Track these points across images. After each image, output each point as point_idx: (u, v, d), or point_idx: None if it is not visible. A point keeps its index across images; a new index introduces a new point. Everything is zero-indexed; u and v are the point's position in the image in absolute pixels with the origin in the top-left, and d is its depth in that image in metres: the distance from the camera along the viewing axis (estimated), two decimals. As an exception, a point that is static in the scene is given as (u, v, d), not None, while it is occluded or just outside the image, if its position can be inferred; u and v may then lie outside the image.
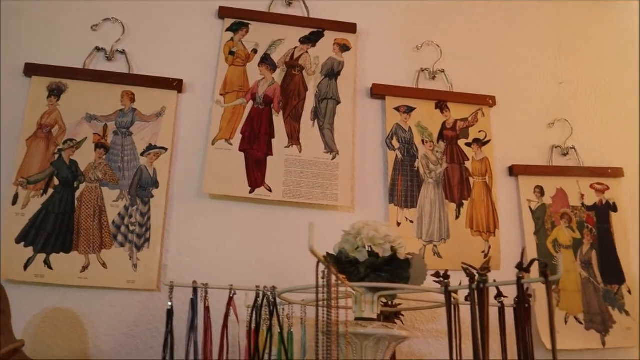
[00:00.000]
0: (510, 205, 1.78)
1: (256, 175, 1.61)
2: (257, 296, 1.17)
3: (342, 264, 1.16)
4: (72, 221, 1.50)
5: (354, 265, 1.14)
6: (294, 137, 1.66)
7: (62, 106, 1.58)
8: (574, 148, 1.88)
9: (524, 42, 2.00)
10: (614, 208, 1.83)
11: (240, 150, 1.62)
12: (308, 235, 0.77)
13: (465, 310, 1.10)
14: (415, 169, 1.73)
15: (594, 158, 1.89)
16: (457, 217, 1.71)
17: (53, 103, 1.57)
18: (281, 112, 1.68)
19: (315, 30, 1.79)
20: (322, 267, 0.88)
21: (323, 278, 0.90)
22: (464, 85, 1.86)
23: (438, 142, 1.78)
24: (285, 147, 1.65)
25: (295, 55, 1.75)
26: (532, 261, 0.95)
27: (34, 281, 1.44)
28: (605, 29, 2.10)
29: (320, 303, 0.87)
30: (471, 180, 1.76)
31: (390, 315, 1.41)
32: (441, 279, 1.05)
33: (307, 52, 1.76)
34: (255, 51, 1.73)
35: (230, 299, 1.18)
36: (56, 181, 1.52)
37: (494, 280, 1.05)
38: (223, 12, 1.76)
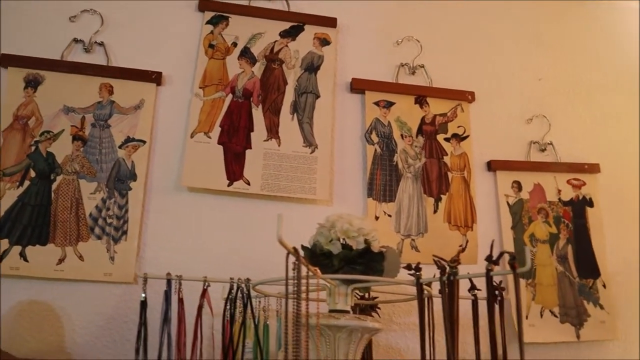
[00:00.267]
0: (488, 199, 1.80)
1: (235, 168, 1.61)
2: (231, 288, 1.17)
3: (317, 257, 1.16)
4: (49, 213, 1.49)
5: (328, 257, 1.15)
6: (273, 131, 1.67)
7: (39, 98, 1.57)
8: (551, 144, 1.90)
9: (504, 39, 2.02)
10: (590, 203, 1.85)
11: (219, 143, 1.62)
12: (277, 226, 0.78)
13: (439, 303, 1.11)
14: (394, 163, 1.74)
15: (571, 154, 1.91)
16: (435, 212, 1.73)
17: (30, 94, 1.56)
18: (260, 106, 1.68)
19: (296, 24, 1.79)
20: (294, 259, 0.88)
21: (294, 269, 0.90)
22: (444, 80, 1.87)
23: (417, 136, 1.79)
24: (264, 140, 1.65)
25: (275, 49, 1.75)
26: (501, 254, 0.96)
27: (9, 274, 1.42)
28: (584, 27, 2.13)
29: (293, 295, 0.88)
30: (449, 174, 1.77)
31: (366, 308, 1.42)
32: (413, 271, 1.06)
33: (287, 45, 1.77)
34: (235, 44, 1.73)
35: (204, 291, 1.19)
36: (32, 173, 1.50)
37: (468, 273, 1.07)
38: (203, 5, 1.75)
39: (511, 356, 1.20)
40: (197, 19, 1.76)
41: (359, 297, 1.42)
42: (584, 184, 1.87)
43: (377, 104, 1.79)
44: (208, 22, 1.74)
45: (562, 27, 2.10)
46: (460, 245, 1.71)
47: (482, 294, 1.22)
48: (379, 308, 1.47)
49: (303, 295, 0.91)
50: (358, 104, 1.80)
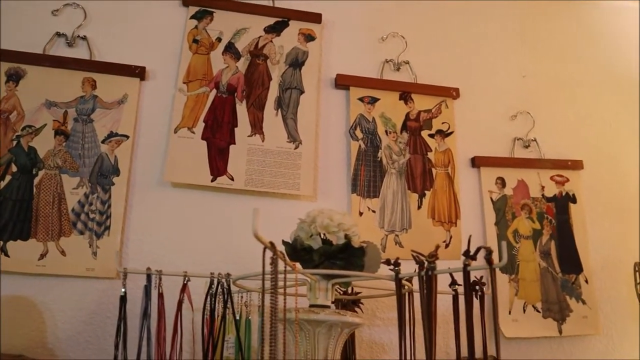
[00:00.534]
0: (472, 196, 1.81)
1: (218, 163, 1.60)
2: (211, 283, 1.17)
3: (297, 252, 1.17)
4: (31, 208, 1.48)
5: (308, 252, 1.15)
6: (257, 126, 1.66)
7: (21, 92, 1.55)
8: (535, 140, 1.91)
9: (489, 35, 2.03)
10: (573, 200, 1.87)
11: (203, 138, 1.62)
12: (252, 220, 0.78)
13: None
14: (378, 159, 1.74)
15: (555, 150, 1.92)
16: (419, 207, 1.73)
17: (11, 88, 1.55)
18: (244, 101, 1.68)
19: (280, 19, 1.79)
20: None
21: (271, 264, 0.90)
22: (428, 76, 1.88)
23: (401, 132, 1.79)
24: (248, 136, 1.65)
25: (260, 45, 1.75)
26: (478, 249, 0.97)
27: (-10, 269, 1.42)
28: (568, 26, 2.14)
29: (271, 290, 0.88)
30: (434, 171, 1.78)
31: (348, 304, 1.42)
32: (392, 266, 1.07)
33: (271, 41, 1.76)
34: (219, 39, 1.73)
35: (184, 286, 1.18)
36: (14, 168, 1.50)
37: (449, 268, 1.07)
38: (187, 0, 1.75)
39: (492, 351, 1.21)
40: (181, 14, 1.75)
41: (341, 292, 1.43)
42: (567, 180, 1.88)
43: (361, 99, 1.79)
44: (192, 17, 1.74)
45: (546, 25, 2.11)
46: (444, 241, 1.72)
47: (462, 289, 1.24)
48: (362, 303, 1.48)
49: (281, 291, 0.91)
50: (342, 99, 1.80)
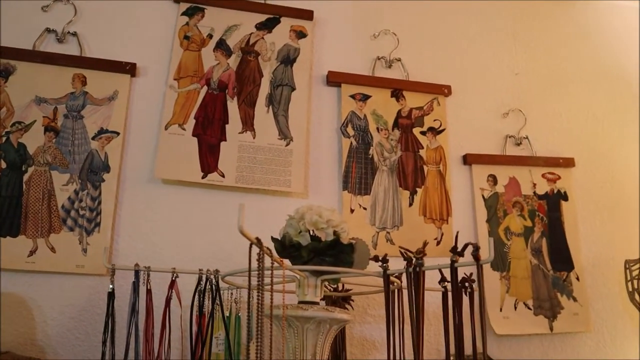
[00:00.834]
0: (464, 193, 1.81)
1: (209, 160, 1.60)
2: (200, 279, 1.17)
3: (286, 248, 1.17)
4: (20, 205, 1.47)
5: (297, 249, 1.15)
6: (248, 123, 1.66)
7: (10, 88, 1.55)
8: (527, 138, 1.91)
9: (481, 33, 2.03)
10: (565, 197, 1.87)
11: (194, 135, 1.61)
12: (238, 216, 0.78)
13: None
14: (370, 156, 1.74)
15: (547, 148, 1.93)
16: (410, 205, 1.73)
17: (1, 84, 1.54)
18: (235, 98, 1.68)
19: (272, 16, 1.78)
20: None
21: (258, 260, 0.90)
22: (420, 74, 1.88)
23: (393, 130, 1.79)
24: (239, 132, 1.65)
25: (251, 41, 1.75)
26: (466, 245, 0.97)
27: (-21, 265, 1.41)
28: (560, 24, 2.14)
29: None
30: (425, 168, 1.78)
31: (338, 300, 1.42)
32: (380, 262, 1.07)
33: (263, 38, 1.76)
34: (210, 36, 1.72)
35: (173, 282, 1.18)
36: (3, 164, 1.49)
37: (438, 264, 1.07)
38: (179, -4, 1.75)
39: (482, 348, 1.21)
40: (172, 10, 1.74)
41: (331, 289, 1.43)
42: (559, 177, 1.88)
43: (353, 97, 1.79)
44: (184, 14, 1.73)
45: (538, 23, 2.11)
46: (436, 238, 1.72)
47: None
48: (352, 300, 1.48)
49: (268, 287, 0.91)
50: (334, 96, 1.80)
